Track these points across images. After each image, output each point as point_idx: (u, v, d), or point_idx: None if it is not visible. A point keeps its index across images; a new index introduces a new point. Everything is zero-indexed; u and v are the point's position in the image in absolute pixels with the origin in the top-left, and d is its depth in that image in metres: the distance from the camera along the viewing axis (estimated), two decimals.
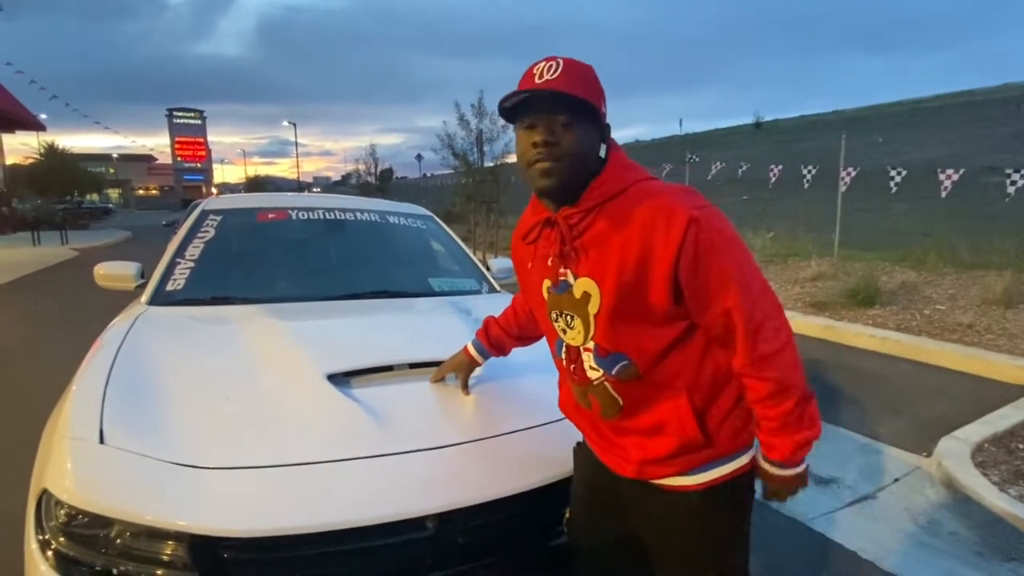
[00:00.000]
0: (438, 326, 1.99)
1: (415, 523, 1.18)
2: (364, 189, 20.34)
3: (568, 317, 1.10)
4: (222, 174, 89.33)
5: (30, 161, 28.77)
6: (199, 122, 75.08)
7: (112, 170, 63.24)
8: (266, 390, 1.45)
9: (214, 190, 64.04)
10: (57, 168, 27.32)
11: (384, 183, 20.00)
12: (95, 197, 43.07)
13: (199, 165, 74.76)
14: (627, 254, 0.99)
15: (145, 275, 2.42)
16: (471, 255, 2.95)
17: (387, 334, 1.93)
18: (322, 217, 2.73)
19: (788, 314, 1.53)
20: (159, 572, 1.10)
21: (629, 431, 1.11)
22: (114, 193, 62.60)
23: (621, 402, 1.09)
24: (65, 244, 15.42)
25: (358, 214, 2.83)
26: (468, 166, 9.69)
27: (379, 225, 2.84)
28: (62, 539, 1.13)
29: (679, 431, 1.05)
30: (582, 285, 1.06)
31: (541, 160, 1.01)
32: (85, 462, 1.19)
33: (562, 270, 1.09)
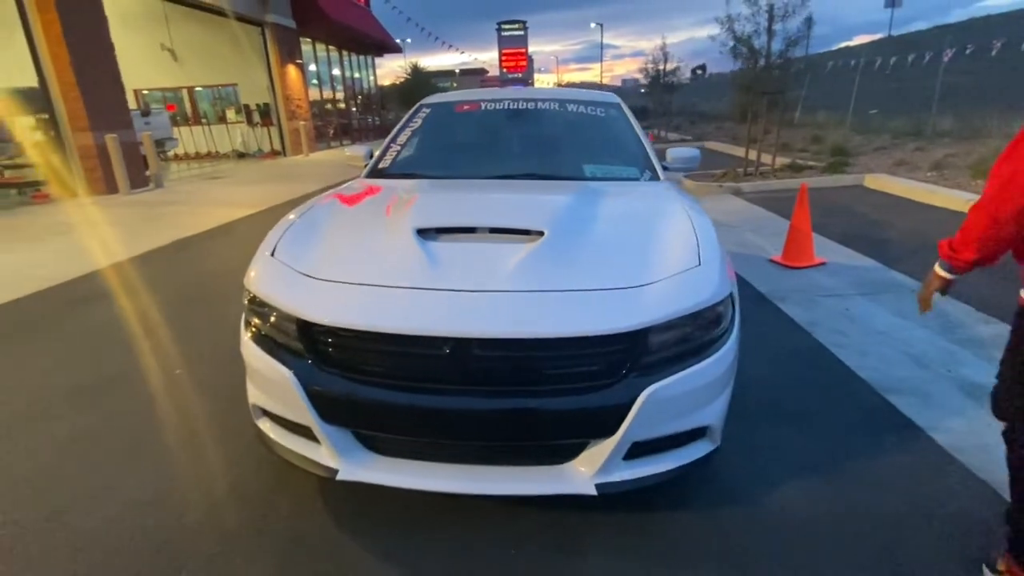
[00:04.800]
0: (541, 204, 2.17)
1: (442, 341, 1.52)
2: (651, 92, 19.49)
3: None
4: (540, 82, 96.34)
5: (401, 80, 36.20)
6: (522, 32, 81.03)
7: (455, 84, 74.20)
8: (376, 236, 1.92)
9: None
10: (418, 84, 33.70)
11: (669, 88, 18.82)
12: None
13: (520, 75, 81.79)
14: None
15: (373, 156, 3.14)
16: (645, 144, 2.89)
17: (493, 206, 2.19)
18: (507, 108, 3.04)
19: None
20: (288, 341, 1.68)
21: None
22: None
23: None
24: None
25: (540, 104, 3.04)
26: (753, 53, 8.54)
27: (557, 113, 3.01)
28: (249, 314, 1.82)
29: None
30: None
31: None
32: (260, 266, 1.84)
33: None
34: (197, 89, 17.45)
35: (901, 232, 5.44)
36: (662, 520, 1.82)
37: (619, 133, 2.95)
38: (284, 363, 1.65)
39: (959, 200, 6.10)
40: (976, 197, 5.85)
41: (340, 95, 21.49)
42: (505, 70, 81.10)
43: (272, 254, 1.87)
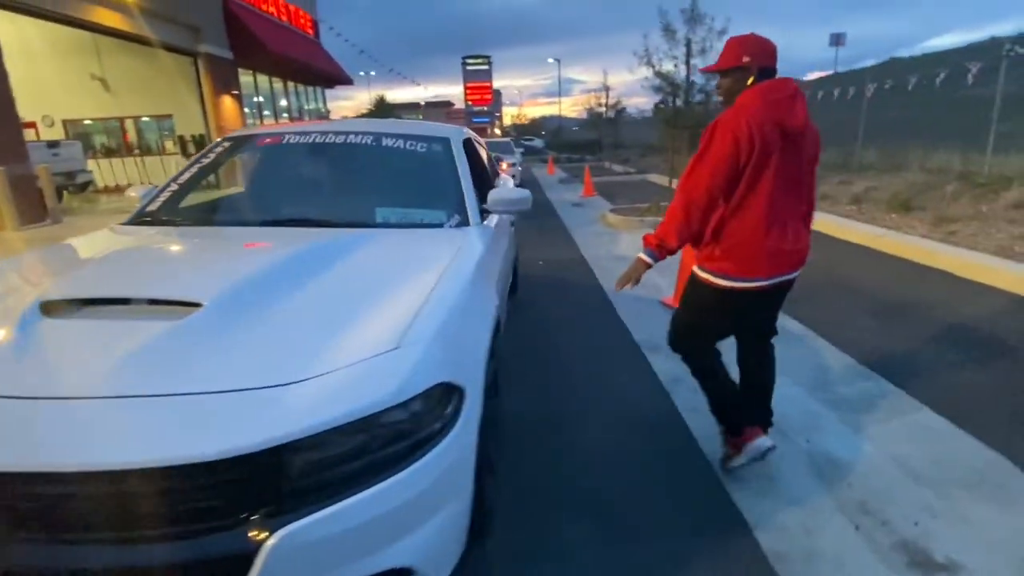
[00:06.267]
0: (227, 263, 1.76)
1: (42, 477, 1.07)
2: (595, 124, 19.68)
3: None
4: (510, 117, 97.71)
5: (364, 112, 36.30)
6: (486, 67, 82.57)
7: (420, 116, 74.68)
8: None
9: (497, 131, 70.78)
10: (378, 116, 33.72)
11: (611, 122, 19.26)
12: None
13: (485, 108, 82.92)
14: None
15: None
16: (464, 185, 2.51)
17: (165, 268, 1.78)
18: (314, 142, 2.64)
19: None
20: None
21: None
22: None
23: None
24: None
25: (353, 138, 2.65)
26: (672, 87, 8.45)
27: (368, 149, 2.62)
28: None
29: None
30: None
31: None
32: None
33: None
34: (144, 119, 16.80)
35: (805, 270, 5.19)
36: None
37: (436, 173, 2.58)
38: None
39: (869, 235, 5.95)
40: (886, 231, 5.73)
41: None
42: (470, 103, 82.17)
43: None
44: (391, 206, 2.34)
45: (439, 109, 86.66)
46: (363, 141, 2.63)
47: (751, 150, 1.76)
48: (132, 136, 17.14)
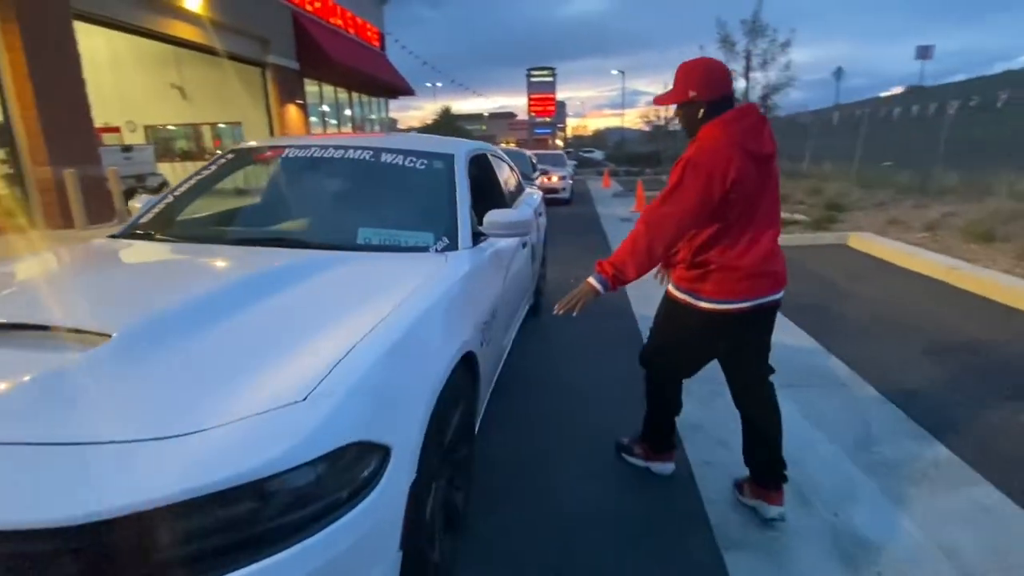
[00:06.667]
0: (159, 288, 1.65)
1: None
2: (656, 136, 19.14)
3: None
4: (571, 128, 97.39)
5: (429, 122, 37.40)
6: (551, 79, 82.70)
7: (484, 127, 75.83)
8: None
9: (558, 143, 70.77)
10: (442, 127, 34.48)
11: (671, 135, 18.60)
12: None
13: (548, 120, 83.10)
14: None
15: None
16: (460, 206, 2.34)
17: (128, 287, 1.69)
18: (310, 156, 2.55)
19: None
20: None
21: None
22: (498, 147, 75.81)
23: None
24: None
25: (350, 153, 2.54)
26: None
27: (364, 165, 2.50)
28: None
29: None
30: None
31: None
32: None
33: None
34: (220, 126, 17.77)
35: (863, 304, 4.71)
36: None
37: (430, 192, 2.41)
38: None
39: (941, 267, 5.35)
40: (960, 263, 5.13)
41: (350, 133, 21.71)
42: (533, 114, 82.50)
43: None
44: (376, 227, 2.19)
45: (502, 120, 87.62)
46: (361, 156, 2.52)
47: (724, 187, 1.72)
48: (207, 141, 18.09)
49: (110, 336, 1.26)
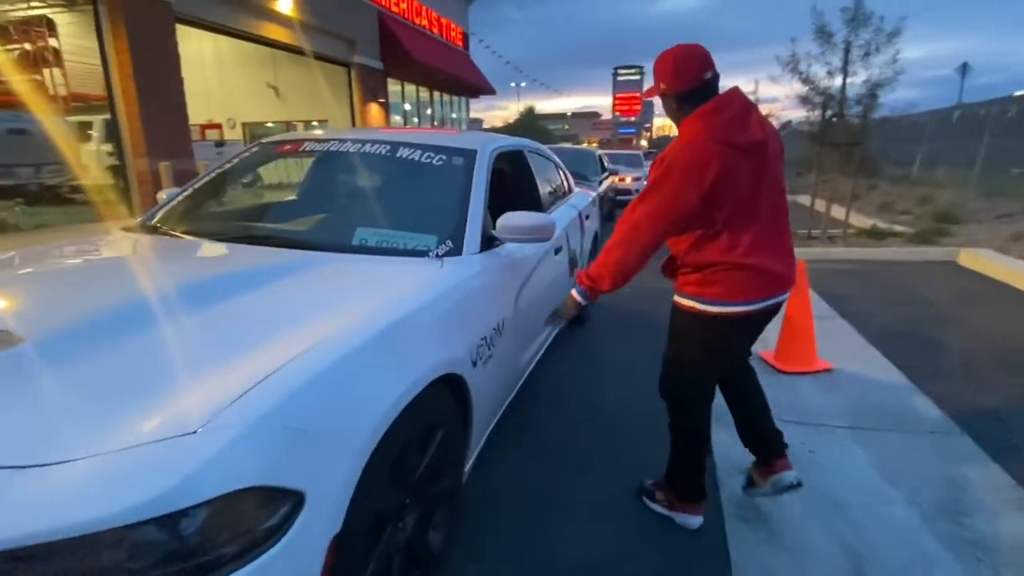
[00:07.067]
0: (106, 288, 1.54)
1: None
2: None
3: None
4: (659, 128, 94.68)
5: (512, 121, 37.76)
6: (638, 78, 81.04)
7: (566, 126, 75.43)
8: None
9: (643, 143, 69.02)
10: (524, 126, 34.66)
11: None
12: None
13: (632, 119, 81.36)
14: None
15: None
16: (473, 207, 2.12)
17: (87, 286, 1.60)
18: (327, 151, 2.43)
19: None
20: None
21: None
22: (566, 144, 75.34)
23: None
24: None
25: (368, 147, 2.40)
26: (824, 97, 7.24)
27: (379, 160, 2.35)
28: None
29: None
30: None
31: None
32: None
33: None
34: (313, 123, 18.72)
35: (968, 334, 4.02)
36: None
37: (441, 190, 2.21)
38: None
39: None
40: None
41: None
42: (618, 114, 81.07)
43: None
44: (377, 226, 2.02)
45: (585, 120, 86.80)
46: (376, 151, 2.36)
47: (702, 187, 1.58)
48: None
49: (23, 341, 1.15)
